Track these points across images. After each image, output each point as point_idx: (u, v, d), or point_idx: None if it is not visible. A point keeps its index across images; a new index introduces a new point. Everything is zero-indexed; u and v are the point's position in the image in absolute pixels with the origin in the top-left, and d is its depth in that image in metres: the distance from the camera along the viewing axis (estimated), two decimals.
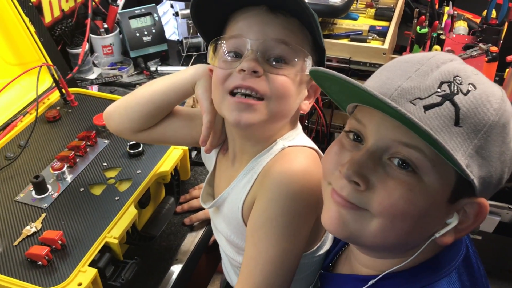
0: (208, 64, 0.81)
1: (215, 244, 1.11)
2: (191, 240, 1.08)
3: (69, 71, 1.40)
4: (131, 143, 1.09)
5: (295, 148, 0.77)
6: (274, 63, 0.72)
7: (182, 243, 1.07)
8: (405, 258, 0.63)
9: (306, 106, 0.79)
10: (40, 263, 0.86)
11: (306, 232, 0.76)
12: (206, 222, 1.12)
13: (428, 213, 0.57)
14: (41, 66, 1.17)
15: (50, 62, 1.25)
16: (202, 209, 1.12)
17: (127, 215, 0.95)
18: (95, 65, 1.66)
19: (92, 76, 1.62)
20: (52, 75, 1.19)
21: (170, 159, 1.07)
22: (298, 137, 0.80)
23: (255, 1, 0.73)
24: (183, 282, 1.02)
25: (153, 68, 1.65)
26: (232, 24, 0.75)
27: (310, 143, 0.80)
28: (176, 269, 1.02)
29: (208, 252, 1.14)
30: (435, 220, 0.59)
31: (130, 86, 1.58)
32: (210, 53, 0.77)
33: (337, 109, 1.69)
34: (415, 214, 0.57)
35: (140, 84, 1.59)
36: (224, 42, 0.75)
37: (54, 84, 1.25)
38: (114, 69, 1.64)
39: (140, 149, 1.09)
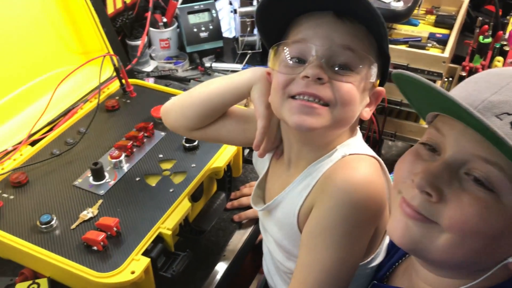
0: (264, 65, 0.80)
1: (261, 245, 1.11)
2: (239, 238, 1.08)
3: (128, 63, 1.43)
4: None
5: (356, 156, 0.76)
6: (339, 69, 0.71)
7: (230, 240, 1.08)
8: (471, 280, 0.60)
9: (367, 113, 0.78)
10: (95, 248, 0.88)
11: (364, 243, 0.74)
12: (255, 221, 1.12)
13: (502, 235, 0.55)
14: (105, 56, 1.20)
15: (111, 52, 1.28)
16: (251, 207, 1.11)
17: (181, 208, 0.96)
18: (151, 58, 1.69)
19: (148, 68, 1.65)
20: (114, 65, 1.22)
21: (224, 155, 1.08)
22: (358, 145, 0.79)
23: (322, 6, 0.72)
24: (229, 278, 1.03)
25: (207, 64, 1.67)
26: (296, 29, 0.74)
27: (371, 151, 0.78)
28: (223, 265, 1.02)
29: (254, 251, 1.14)
30: (509, 243, 0.56)
31: (185, 81, 1.60)
32: (271, 57, 0.76)
33: (389, 116, 1.66)
34: (488, 234, 0.54)
35: (194, 79, 1.61)
36: (287, 46, 0.73)
37: (114, 74, 1.28)
38: (170, 63, 1.67)
39: (195, 143, 1.10)
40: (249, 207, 1.12)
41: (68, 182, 1.03)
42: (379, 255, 0.82)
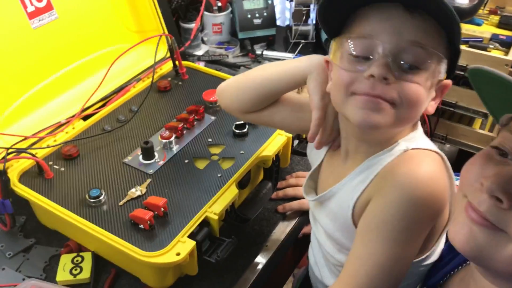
0: (320, 54, 0.78)
1: (303, 239, 1.09)
2: (282, 229, 1.07)
3: (181, 45, 1.42)
4: (237, 122, 1.09)
5: (420, 151, 0.72)
6: (406, 67, 0.67)
7: (274, 230, 1.06)
8: None
9: (432, 107, 0.74)
10: (142, 226, 0.88)
11: (420, 240, 0.71)
12: (299, 214, 1.10)
13: None
14: (161, 36, 1.20)
15: (166, 32, 1.28)
16: (296, 198, 1.10)
17: (228, 193, 0.94)
18: (203, 42, 1.68)
19: (199, 52, 1.64)
20: (169, 46, 1.22)
21: (273, 145, 1.06)
22: (420, 139, 0.75)
23: None
24: (270, 269, 1.01)
25: (258, 52, 1.65)
26: (361, 21, 0.70)
27: (434, 147, 0.75)
28: (265, 255, 1.01)
29: (295, 244, 1.12)
30: None
31: (235, 67, 1.58)
32: (333, 49, 0.73)
33: (441, 117, 1.61)
34: None
35: (244, 66, 1.59)
36: (352, 40, 0.70)
37: (168, 55, 1.28)
38: (221, 48, 1.66)
39: (245, 130, 1.08)
40: (294, 198, 1.10)
41: (118, 158, 1.04)
42: (433, 255, 0.79)
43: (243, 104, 0.88)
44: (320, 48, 1.64)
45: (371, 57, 0.66)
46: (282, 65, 0.85)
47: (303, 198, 1.08)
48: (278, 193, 1.11)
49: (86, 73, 1.19)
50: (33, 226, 1.05)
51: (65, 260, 0.95)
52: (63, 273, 0.93)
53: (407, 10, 0.67)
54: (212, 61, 1.60)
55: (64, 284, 0.93)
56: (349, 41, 0.69)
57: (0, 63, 1.03)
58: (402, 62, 0.66)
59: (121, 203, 0.93)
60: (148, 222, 0.87)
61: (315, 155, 0.90)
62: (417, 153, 0.72)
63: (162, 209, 0.90)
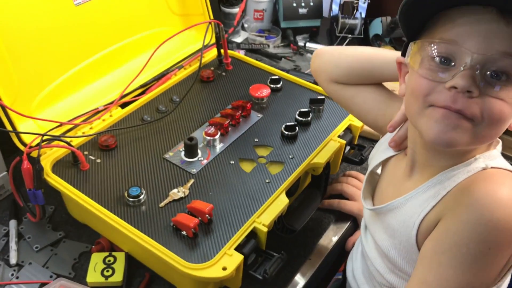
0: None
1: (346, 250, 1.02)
2: (327, 241, 0.99)
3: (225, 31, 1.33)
4: (287, 123, 1.01)
5: (501, 171, 0.65)
6: (493, 80, 0.59)
7: (318, 242, 0.99)
8: None
9: None
10: (184, 233, 0.81)
11: (497, 268, 0.63)
12: (347, 222, 1.02)
13: None
14: (210, 23, 1.11)
15: (212, 18, 1.19)
16: (341, 197, 1.05)
17: (278, 203, 0.87)
18: (243, 29, 1.59)
19: (238, 39, 1.56)
20: (217, 34, 1.13)
21: (325, 151, 0.98)
22: (500, 158, 0.68)
23: (483, 0, 0.59)
24: (314, 285, 0.94)
25: (300, 43, 1.56)
26: (446, 24, 0.62)
27: None
28: (308, 269, 0.94)
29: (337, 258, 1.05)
30: None
31: (276, 58, 1.49)
32: (411, 52, 0.65)
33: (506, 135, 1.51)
34: None
35: (286, 58, 1.50)
36: (435, 45, 0.62)
37: (212, 42, 1.19)
38: (261, 36, 1.57)
39: (295, 132, 1.00)
40: (338, 196, 1.04)
41: (158, 153, 0.96)
42: (505, 283, 0.70)
43: (338, 70, 0.87)
44: (367, 44, 1.54)
45: (453, 64, 0.59)
46: (383, 51, 0.84)
47: (348, 199, 1.01)
48: (323, 202, 1.04)
49: (126, 56, 1.11)
50: (62, 218, 0.98)
51: (96, 260, 0.89)
52: (94, 274, 0.87)
53: (501, 16, 0.58)
54: (253, 50, 1.51)
55: (94, 287, 0.86)
56: (432, 45, 0.61)
57: (38, 40, 0.95)
58: (489, 75, 0.58)
59: (161, 204, 0.86)
60: (193, 230, 0.80)
61: (378, 157, 0.84)
62: (498, 173, 0.64)
63: (208, 215, 0.82)
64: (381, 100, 0.85)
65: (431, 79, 0.61)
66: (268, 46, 1.53)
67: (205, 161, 0.94)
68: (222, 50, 1.18)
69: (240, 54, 1.28)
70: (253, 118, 1.05)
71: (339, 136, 1.01)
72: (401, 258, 0.73)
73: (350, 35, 1.55)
